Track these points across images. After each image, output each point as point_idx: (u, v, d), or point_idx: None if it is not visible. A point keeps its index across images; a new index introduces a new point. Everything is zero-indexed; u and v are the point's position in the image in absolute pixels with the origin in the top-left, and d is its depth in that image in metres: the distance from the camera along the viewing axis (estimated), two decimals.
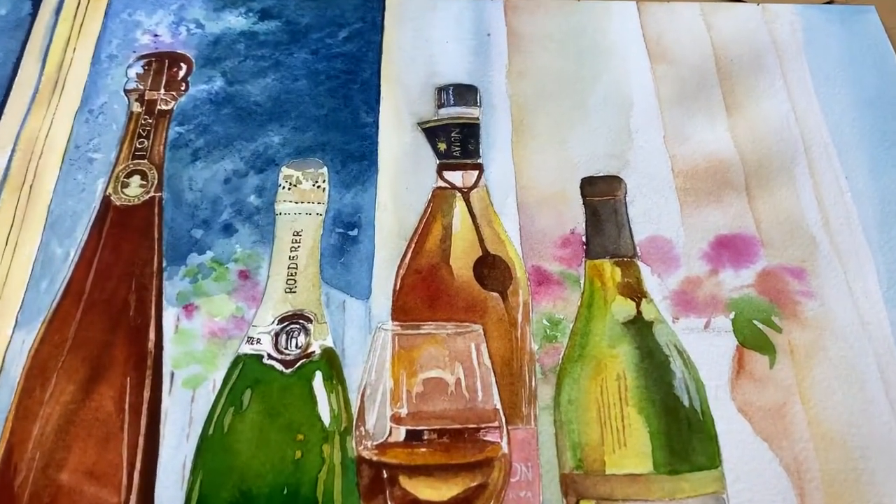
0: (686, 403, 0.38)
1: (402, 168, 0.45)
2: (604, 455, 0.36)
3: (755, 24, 0.52)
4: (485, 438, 0.36)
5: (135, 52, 0.49)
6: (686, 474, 0.36)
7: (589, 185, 0.45)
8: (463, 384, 0.37)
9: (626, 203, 0.44)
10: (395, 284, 0.41)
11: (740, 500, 0.36)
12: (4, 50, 0.48)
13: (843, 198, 0.45)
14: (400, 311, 0.40)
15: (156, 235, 0.42)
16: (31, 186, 0.43)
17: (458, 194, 0.44)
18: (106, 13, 0.51)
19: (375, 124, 0.47)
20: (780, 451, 0.37)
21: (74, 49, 0.49)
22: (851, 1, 0.55)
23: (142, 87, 0.47)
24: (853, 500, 0.36)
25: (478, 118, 0.47)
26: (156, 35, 0.50)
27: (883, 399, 0.38)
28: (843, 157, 0.46)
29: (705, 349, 0.40)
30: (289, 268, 0.41)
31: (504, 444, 0.36)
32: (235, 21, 0.50)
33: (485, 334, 0.39)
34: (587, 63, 0.50)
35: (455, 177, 0.45)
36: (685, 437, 0.37)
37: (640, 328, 0.40)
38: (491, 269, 0.41)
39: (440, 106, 0.47)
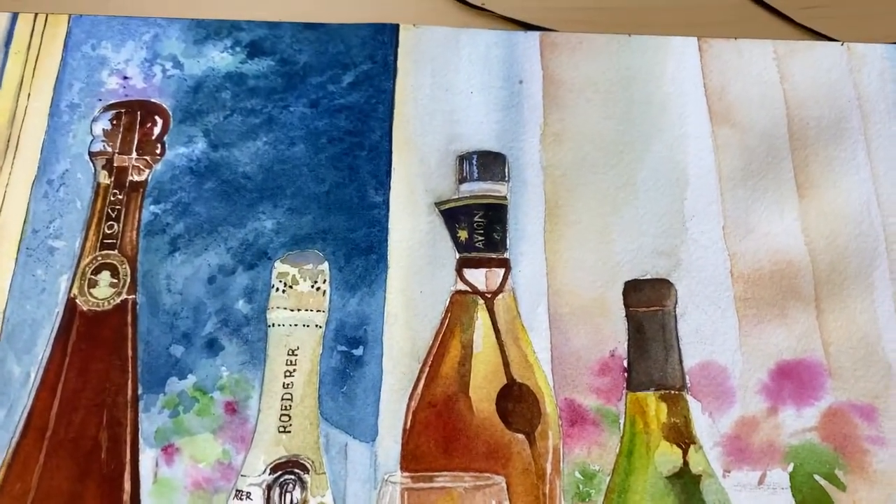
0: None
1: (416, 264, 0.39)
2: None
3: (838, 73, 0.44)
4: None
5: (100, 100, 0.41)
6: None
7: (634, 292, 0.39)
8: None
9: (675, 316, 0.38)
10: (406, 421, 0.36)
11: None
12: None
13: None
14: (410, 458, 0.35)
15: (129, 353, 0.36)
16: None
17: (481, 301, 0.38)
18: (65, 45, 0.42)
19: (386, 204, 0.40)
20: None
21: (29, 95, 0.41)
22: None
23: (110, 150, 0.40)
24: None
25: (506, 197, 0.40)
26: (125, 77, 0.42)
27: None
28: None
29: None
30: (283, 399, 0.35)
31: None
32: (220, 59, 0.42)
33: (508, 489, 0.34)
34: (637, 123, 0.42)
35: (477, 277, 0.38)
36: None
37: (685, 484, 0.35)
38: (517, 403, 0.36)
39: (462, 180, 0.40)
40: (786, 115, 0.43)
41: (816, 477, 0.36)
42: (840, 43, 0.45)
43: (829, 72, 0.44)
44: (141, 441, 0.35)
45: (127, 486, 0.34)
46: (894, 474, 0.36)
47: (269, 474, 0.34)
